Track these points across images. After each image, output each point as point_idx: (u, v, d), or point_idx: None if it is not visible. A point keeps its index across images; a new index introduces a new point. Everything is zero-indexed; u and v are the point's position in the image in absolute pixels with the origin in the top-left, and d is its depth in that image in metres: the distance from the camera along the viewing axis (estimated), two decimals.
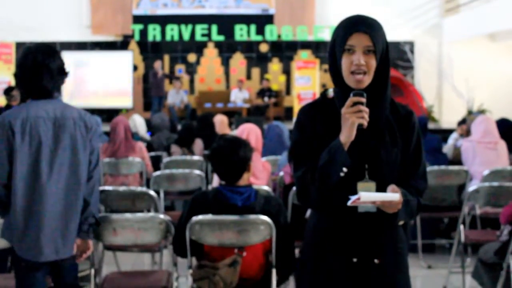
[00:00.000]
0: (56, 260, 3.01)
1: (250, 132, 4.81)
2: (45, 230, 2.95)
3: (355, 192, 2.13)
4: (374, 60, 2.15)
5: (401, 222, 2.25)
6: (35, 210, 2.95)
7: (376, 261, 2.25)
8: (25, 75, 3.04)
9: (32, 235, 2.95)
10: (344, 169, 2.12)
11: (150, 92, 15.07)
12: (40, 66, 3.00)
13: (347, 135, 2.11)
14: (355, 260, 2.25)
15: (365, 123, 2.10)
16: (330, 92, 2.29)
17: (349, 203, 2.08)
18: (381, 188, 2.16)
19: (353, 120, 2.09)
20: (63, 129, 3.01)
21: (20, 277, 3.05)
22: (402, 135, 2.25)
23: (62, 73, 3.08)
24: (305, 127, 2.26)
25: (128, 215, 3.44)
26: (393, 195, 2.08)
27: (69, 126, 3.02)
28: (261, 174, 4.64)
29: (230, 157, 3.21)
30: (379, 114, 2.20)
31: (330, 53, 2.23)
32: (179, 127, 9.62)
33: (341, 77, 2.19)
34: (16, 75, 3.09)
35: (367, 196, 2.05)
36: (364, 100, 2.09)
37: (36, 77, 3.01)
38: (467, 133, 6.70)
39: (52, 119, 3.01)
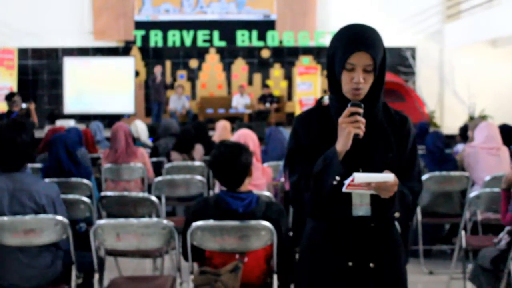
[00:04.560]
0: None
1: (246, 137, 4.79)
2: None
3: (349, 200, 2.14)
4: (373, 77, 2.18)
5: (397, 214, 2.23)
6: None
7: (371, 265, 2.27)
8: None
9: None
10: (337, 178, 2.13)
11: (151, 98, 15.12)
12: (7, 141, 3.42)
13: (343, 144, 2.14)
14: (350, 264, 2.27)
15: (361, 133, 2.13)
16: (326, 100, 2.33)
17: (343, 188, 2.09)
18: (374, 194, 2.16)
19: (349, 130, 2.12)
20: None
21: None
22: (397, 140, 2.27)
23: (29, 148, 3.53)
24: (300, 135, 2.29)
25: (132, 220, 3.44)
26: (388, 175, 2.09)
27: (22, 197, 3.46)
28: (259, 181, 4.62)
29: (232, 163, 3.20)
30: (372, 121, 2.22)
31: (329, 62, 2.25)
32: None
33: (339, 86, 2.21)
34: None
35: (361, 176, 2.05)
36: (361, 111, 2.12)
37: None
38: (464, 138, 6.66)
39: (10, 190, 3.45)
